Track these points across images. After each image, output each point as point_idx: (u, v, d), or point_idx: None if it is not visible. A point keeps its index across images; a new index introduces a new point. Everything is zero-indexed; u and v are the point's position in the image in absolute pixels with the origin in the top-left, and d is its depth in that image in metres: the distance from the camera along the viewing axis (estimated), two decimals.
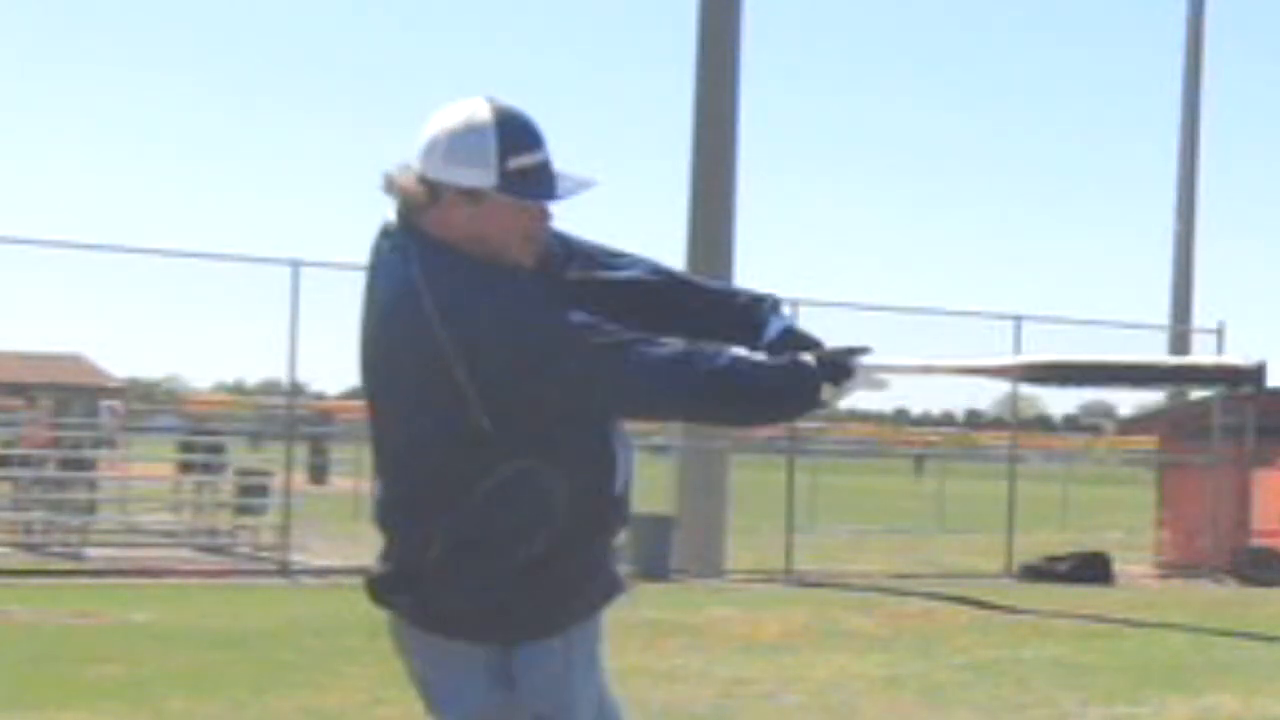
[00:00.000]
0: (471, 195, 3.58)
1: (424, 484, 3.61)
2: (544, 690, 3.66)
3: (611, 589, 3.82)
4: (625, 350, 3.51)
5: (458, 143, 3.58)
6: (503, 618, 3.64)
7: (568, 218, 3.77)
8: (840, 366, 3.62)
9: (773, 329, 3.78)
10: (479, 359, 3.48)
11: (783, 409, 3.81)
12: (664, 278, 3.88)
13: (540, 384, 3.51)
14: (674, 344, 3.56)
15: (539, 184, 3.63)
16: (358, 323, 3.74)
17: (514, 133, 3.60)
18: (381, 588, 3.73)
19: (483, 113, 3.60)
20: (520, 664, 3.63)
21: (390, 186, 3.65)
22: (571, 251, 3.81)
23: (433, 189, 3.60)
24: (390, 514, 3.71)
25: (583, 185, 3.68)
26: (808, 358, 3.64)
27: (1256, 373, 3.29)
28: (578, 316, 3.53)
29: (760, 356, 3.70)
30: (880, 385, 3.70)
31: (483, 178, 3.57)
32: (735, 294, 3.93)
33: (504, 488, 3.56)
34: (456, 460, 3.56)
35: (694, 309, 3.84)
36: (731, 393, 3.57)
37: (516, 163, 3.58)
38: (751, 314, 3.83)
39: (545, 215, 3.68)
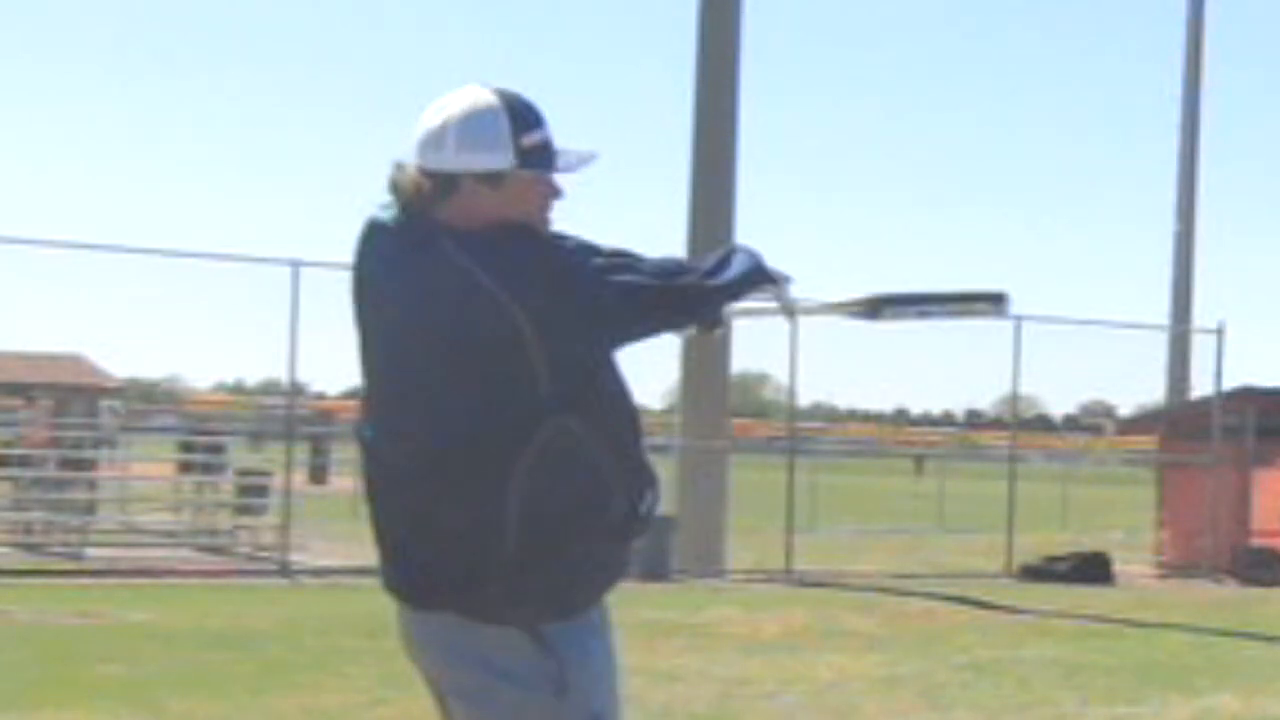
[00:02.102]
0: (492, 178, 3.60)
1: (471, 466, 3.52)
2: (595, 682, 3.62)
3: (625, 567, 3.79)
4: (633, 272, 3.61)
5: (470, 129, 3.60)
6: (570, 595, 3.60)
7: (568, 217, 3.78)
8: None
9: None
10: (545, 319, 3.49)
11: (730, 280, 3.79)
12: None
13: (591, 328, 3.57)
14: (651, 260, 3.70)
15: (552, 157, 3.68)
16: (361, 322, 3.71)
17: (521, 112, 3.65)
18: (449, 589, 3.58)
19: (487, 97, 3.64)
20: (568, 657, 3.57)
21: (396, 187, 3.64)
22: None
23: (445, 180, 3.59)
24: (429, 506, 3.59)
25: (586, 159, 3.72)
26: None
27: (1003, 295, 4.13)
28: (595, 258, 3.64)
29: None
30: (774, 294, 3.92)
31: (502, 159, 3.60)
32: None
33: (548, 448, 3.51)
34: (505, 432, 3.51)
35: None
36: (697, 289, 3.70)
37: (529, 139, 3.63)
38: None
39: (557, 190, 3.71)
